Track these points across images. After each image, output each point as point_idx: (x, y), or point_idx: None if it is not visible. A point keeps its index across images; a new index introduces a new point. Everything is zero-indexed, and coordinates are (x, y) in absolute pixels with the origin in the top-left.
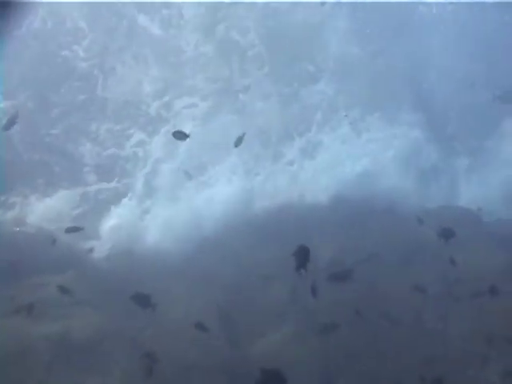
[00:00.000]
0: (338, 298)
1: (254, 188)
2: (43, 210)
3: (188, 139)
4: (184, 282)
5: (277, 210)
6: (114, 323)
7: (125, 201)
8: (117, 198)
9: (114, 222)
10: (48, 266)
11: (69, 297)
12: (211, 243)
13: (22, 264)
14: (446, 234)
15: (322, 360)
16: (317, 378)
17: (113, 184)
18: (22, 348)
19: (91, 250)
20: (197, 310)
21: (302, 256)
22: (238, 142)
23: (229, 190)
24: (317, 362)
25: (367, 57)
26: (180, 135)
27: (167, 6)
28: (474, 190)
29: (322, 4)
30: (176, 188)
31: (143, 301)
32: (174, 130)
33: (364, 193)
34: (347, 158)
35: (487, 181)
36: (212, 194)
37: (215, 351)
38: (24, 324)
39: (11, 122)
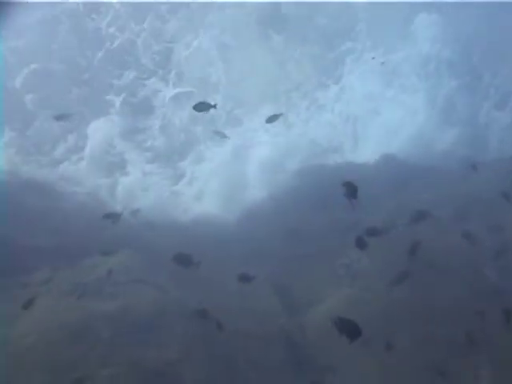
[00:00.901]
0: (390, 259)
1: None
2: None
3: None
4: (237, 250)
5: (322, 172)
6: (171, 298)
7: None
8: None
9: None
10: (105, 244)
11: (124, 275)
12: (261, 209)
13: (80, 243)
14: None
15: (380, 321)
16: (374, 340)
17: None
18: (83, 326)
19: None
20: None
21: (352, 187)
22: (272, 119)
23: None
24: (375, 323)
25: None
26: (203, 106)
27: None
28: None
29: None
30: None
31: (185, 260)
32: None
33: (413, 150)
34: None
35: None
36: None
37: (271, 319)
38: (84, 303)
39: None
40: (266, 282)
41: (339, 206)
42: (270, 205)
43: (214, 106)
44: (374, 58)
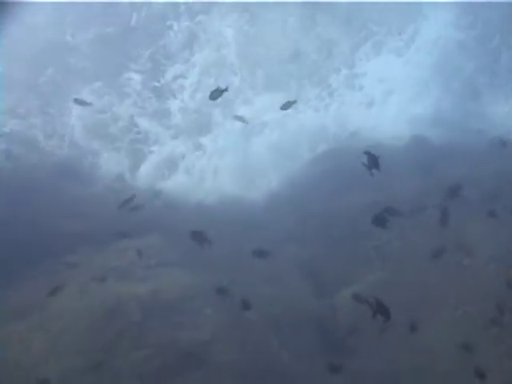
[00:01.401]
0: (420, 241)
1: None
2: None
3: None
4: (266, 234)
5: (349, 154)
6: (202, 281)
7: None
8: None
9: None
10: (134, 228)
11: (154, 258)
12: (288, 192)
13: (109, 227)
14: None
15: (410, 304)
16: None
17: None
18: (114, 309)
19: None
20: (280, 264)
21: (373, 158)
22: (287, 105)
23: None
24: (403, 308)
25: None
26: (217, 93)
27: None
28: None
29: None
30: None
31: (199, 238)
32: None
33: (439, 131)
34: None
35: None
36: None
37: (301, 303)
38: (115, 286)
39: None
40: (295, 265)
41: (368, 188)
42: (297, 187)
43: (226, 90)
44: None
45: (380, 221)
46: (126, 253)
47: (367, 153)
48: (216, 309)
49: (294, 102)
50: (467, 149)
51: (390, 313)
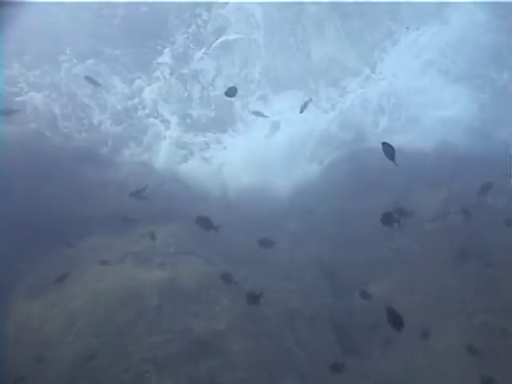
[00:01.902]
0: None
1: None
2: None
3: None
4: (289, 228)
5: (372, 156)
6: (219, 271)
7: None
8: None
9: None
10: (155, 216)
11: (173, 246)
12: (312, 188)
13: (131, 214)
14: None
15: (426, 308)
16: (416, 328)
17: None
18: (132, 293)
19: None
20: (299, 262)
21: (389, 148)
22: (303, 107)
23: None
24: (420, 311)
25: None
26: (234, 91)
27: None
28: None
29: None
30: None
31: (205, 223)
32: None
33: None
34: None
35: None
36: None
37: (319, 300)
38: (133, 270)
39: None
40: (315, 263)
41: (391, 191)
42: (318, 186)
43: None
44: (407, 28)
45: (388, 220)
46: (144, 239)
47: (384, 144)
48: (232, 300)
49: (310, 100)
50: (493, 158)
51: (402, 323)
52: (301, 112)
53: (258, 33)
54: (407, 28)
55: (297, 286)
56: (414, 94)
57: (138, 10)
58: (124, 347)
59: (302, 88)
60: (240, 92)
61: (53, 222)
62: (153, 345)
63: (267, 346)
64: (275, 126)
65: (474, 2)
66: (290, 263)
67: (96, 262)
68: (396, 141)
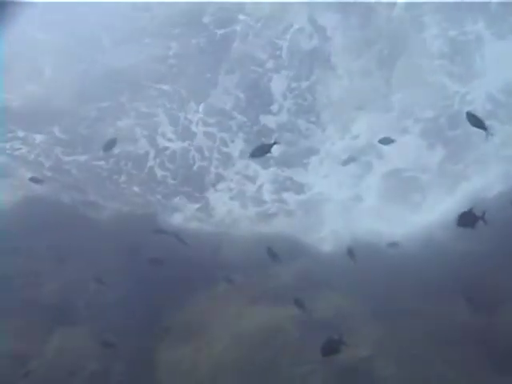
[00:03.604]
0: None
1: None
2: None
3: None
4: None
5: None
6: (355, 302)
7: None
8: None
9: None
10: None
11: (306, 281)
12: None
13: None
14: None
15: None
16: None
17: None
18: (272, 329)
19: None
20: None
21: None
22: (348, 161)
23: None
24: None
25: None
26: (262, 149)
27: None
28: None
29: None
30: None
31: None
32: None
33: None
34: None
35: None
36: None
37: (458, 318)
38: (269, 308)
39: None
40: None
41: None
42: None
43: (275, 143)
44: None
45: (468, 220)
46: (278, 277)
47: (468, 113)
48: (373, 328)
49: (355, 157)
50: None
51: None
52: (343, 165)
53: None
54: None
55: (435, 305)
56: None
57: None
58: (273, 380)
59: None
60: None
61: (191, 270)
62: (301, 375)
63: (416, 367)
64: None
65: None
66: (426, 282)
67: (232, 304)
68: None
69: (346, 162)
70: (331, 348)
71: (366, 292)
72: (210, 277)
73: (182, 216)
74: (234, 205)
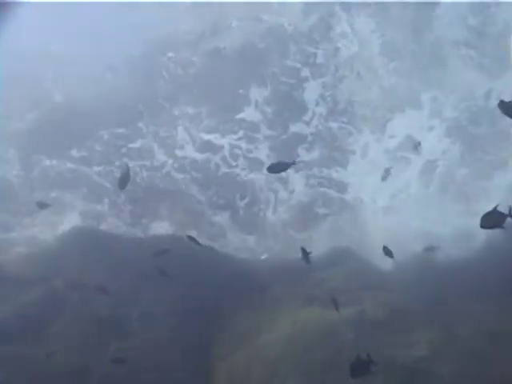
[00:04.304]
0: None
1: None
2: None
3: None
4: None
5: None
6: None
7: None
8: None
9: None
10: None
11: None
12: None
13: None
14: None
15: None
16: None
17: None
18: (326, 331)
19: None
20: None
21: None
22: (386, 174)
23: None
24: None
25: None
26: (279, 167)
27: None
28: None
29: None
30: None
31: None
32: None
33: None
34: None
35: None
36: None
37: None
38: (321, 311)
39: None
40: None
41: None
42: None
43: (293, 163)
44: None
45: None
46: (326, 281)
47: (501, 101)
48: (427, 328)
49: (391, 168)
50: None
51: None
52: (382, 180)
53: None
54: None
55: (490, 305)
56: None
57: None
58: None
59: None
60: None
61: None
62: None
63: (475, 364)
64: None
65: None
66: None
67: (284, 309)
68: None
69: (384, 177)
70: (361, 369)
71: (417, 292)
72: (261, 282)
73: None
74: None
